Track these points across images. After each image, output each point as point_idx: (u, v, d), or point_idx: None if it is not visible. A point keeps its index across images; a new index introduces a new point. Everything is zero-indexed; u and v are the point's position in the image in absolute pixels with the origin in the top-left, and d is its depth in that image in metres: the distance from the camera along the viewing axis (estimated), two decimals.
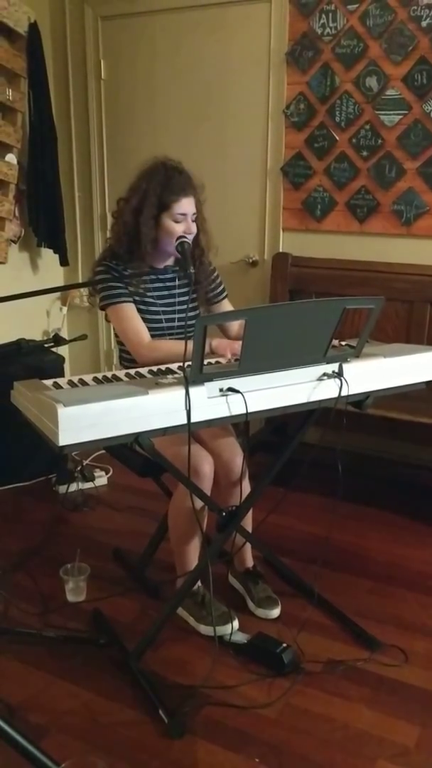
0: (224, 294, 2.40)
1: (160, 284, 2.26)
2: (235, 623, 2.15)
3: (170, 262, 2.28)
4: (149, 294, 2.22)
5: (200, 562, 2.17)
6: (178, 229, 2.15)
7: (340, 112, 3.17)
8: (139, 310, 2.20)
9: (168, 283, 2.27)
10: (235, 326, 2.39)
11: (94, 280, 2.21)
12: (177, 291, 2.28)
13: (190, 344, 1.65)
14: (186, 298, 2.26)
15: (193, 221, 2.18)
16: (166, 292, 2.26)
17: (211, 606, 2.14)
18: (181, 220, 2.15)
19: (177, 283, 2.28)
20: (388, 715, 1.85)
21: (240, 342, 2.08)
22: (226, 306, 2.41)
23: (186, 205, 2.15)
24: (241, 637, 2.11)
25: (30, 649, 2.10)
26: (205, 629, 2.16)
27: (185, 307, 2.24)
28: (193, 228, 2.18)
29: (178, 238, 2.13)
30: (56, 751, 1.59)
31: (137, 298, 2.20)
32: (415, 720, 1.84)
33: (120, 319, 2.19)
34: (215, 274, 2.37)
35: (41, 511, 3.05)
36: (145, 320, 2.20)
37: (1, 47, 3.20)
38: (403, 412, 2.82)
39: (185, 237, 2.14)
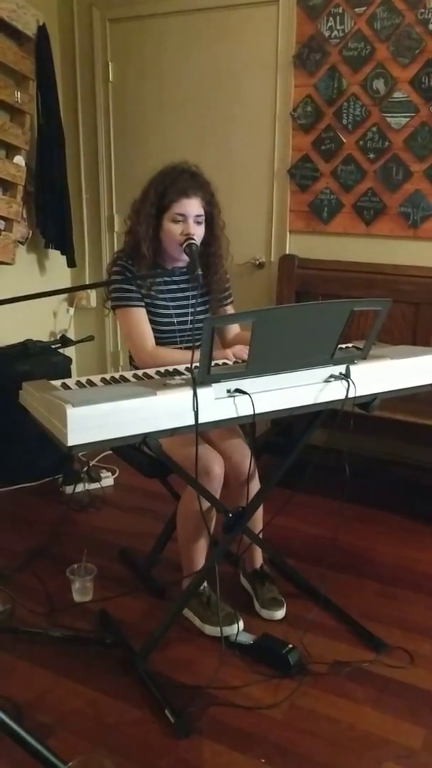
0: (230, 300, 2.40)
1: (174, 286, 2.27)
2: (240, 624, 2.15)
3: (182, 263, 2.26)
4: (161, 296, 2.23)
5: (206, 563, 2.17)
6: (176, 230, 2.14)
7: (347, 115, 3.17)
8: (152, 312, 2.21)
9: (182, 285, 2.28)
10: (232, 332, 2.39)
11: (109, 280, 2.22)
12: (190, 293, 2.27)
13: (196, 352, 1.66)
14: (199, 299, 2.26)
15: (197, 224, 2.17)
16: (179, 294, 2.26)
17: (216, 607, 2.15)
18: (180, 220, 2.14)
19: (190, 284, 2.27)
20: (394, 716, 1.86)
21: (239, 345, 2.11)
22: (230, 312, 2.40)
23: (186, 206, 2.14)
24: (246, 638, 2.11)
25: (37, 648, 2.11)
26: (211, 630, 2.16)
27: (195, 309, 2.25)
28: (194, 230, 2.15)
29: (185, 240, 2.13)
30: (63, 750, 1.60)
31: (149, 300, 2.21)
32: (421, 722, 1.84)
33: (127, 322, 2.20)
34: (226, 276, 2.37)
35: (48, 511, 3.06)
36: (157, 322, 2.21)
37: (9, 50, 3.22)
38: (409, 414, 2.82)
39: (193, 239, 2.13)
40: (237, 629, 2.13)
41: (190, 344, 1.96)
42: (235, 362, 2.03)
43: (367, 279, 3.17)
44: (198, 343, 1.63)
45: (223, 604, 2.19)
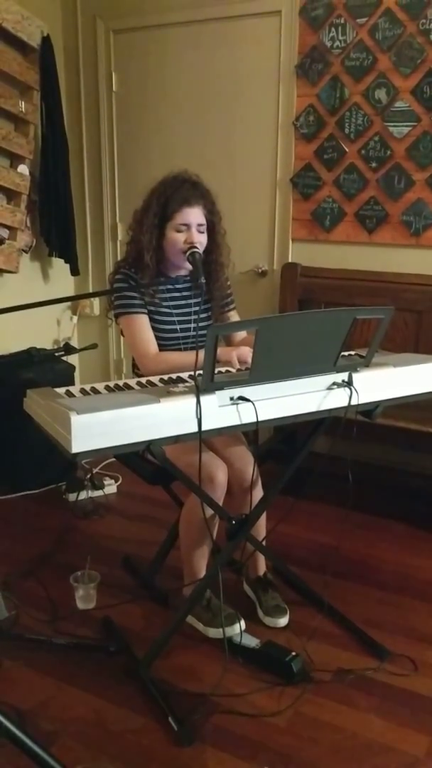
0: (233, 305, 2.41)
1: (177, 293, 2.28)
2: (242, 623, 2.16)
3: (184, 271, 2.28)
4: (164, 304, 2.24)
5: (209, 570, 2.17)
6: (179, 239, 2.16)
7: (349, 124, 3.19)
8: (154, 320, 2.22)
9: (184, 293, 2.29)
10: (238, 336, 2.40)
11: (112, 288, 2.24)
12: (193, 300, 2.29)
13: (199, 354, 1.67)
14: (202, 306, 2.28)
15: (199, 232, 2.18)
16: (182, 302, 2.28)
17: (218, 608, 2.15)
18: (183, 230, 2.16)
19: (193, 292, 2.29)
20: (398, 724, 1.85)
21: (244, 347, 2.12)
22: (233, 317, 2.42)
23: (189, 216, 2.15)
24: (250, 641, 2.11)
25: (40, 656, 2.11)
26: (214, 632, 2.17)
27: (198, 316, 2.26)
28: (198, 238, 2.17)
29: (188, 248, 2.14)
30: (66, 757, 1.60)
31: (152, 308, 2.22)
32: (425, 729, 1.83)
33: (130, 329, 2.21)
34: (227, 283, 2.38)
35: (51, 518, 3.06)
36: (160, 329, 2.23)
37: (14, 60, 3.24)
38: (411, 422, 2.83)
39: (196, 247, 2.14)
40: (239, 628, 2.13)
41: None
42: (238, 369, 2.04)
43: (370, 287, 3.19)
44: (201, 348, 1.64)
45: (225, 605, 2.18)
